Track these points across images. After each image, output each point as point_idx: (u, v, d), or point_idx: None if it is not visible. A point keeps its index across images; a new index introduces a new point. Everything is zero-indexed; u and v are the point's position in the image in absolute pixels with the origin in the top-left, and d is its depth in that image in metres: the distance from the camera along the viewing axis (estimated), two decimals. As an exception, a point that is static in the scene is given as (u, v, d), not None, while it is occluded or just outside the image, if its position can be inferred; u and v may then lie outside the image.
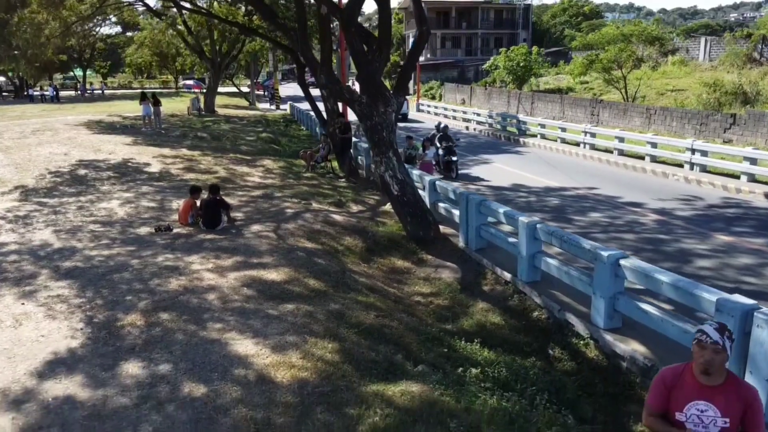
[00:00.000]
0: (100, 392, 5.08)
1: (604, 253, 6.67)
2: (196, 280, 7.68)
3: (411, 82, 52.78)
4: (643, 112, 24.08)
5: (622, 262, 6.53)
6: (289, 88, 64.60)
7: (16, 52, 28.40)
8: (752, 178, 15.07)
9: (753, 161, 15.06)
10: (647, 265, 6.44)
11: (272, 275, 7.91)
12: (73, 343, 5.98)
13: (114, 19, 51.33)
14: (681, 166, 17.18)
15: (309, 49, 15.35)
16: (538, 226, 8.14)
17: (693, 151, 16.69)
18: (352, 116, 16.93)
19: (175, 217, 10.96)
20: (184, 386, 5.15)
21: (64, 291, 7.36)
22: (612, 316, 6.76)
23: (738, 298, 5.26)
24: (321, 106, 17.76)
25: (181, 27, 32.07)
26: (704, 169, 16.49)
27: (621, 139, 19.69)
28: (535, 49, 37.87)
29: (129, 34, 61.03)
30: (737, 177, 15.44)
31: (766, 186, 14.50)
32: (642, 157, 18.65)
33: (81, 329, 6.28)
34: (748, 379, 5.05)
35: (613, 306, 6.69)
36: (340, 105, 16.99)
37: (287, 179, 15.62)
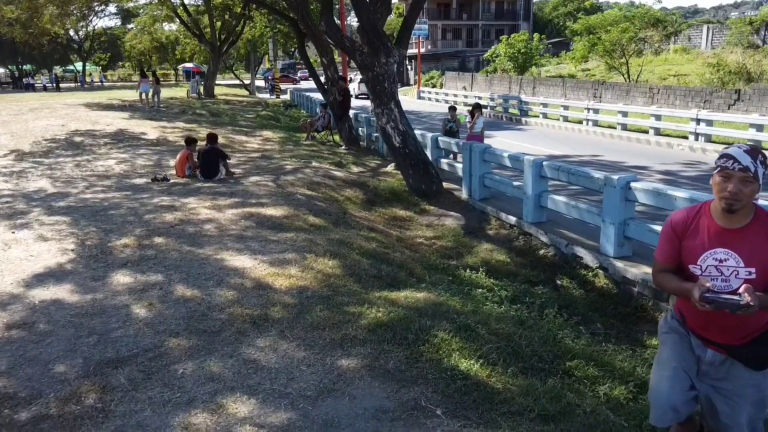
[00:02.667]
0: (89, 296, 4.87)
1: (615, 177, 6.46)
2: (193, 215, 7.45)
3: (412, 73, 52.63)
4: (646, 91, 23.83)
5: (633, 184, 6.31)
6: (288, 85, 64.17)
7: (11, 16, 28.01)
8: (758, 146, 14.85)
9: (759, 128, 14.86)
10: (659, 184, 6.22)
11: (271, 212, 7.67)
12: (63, 260, 5.76)
13: (113, 9, 51.34)
14: (686, 137, 16.95)
15: (309, 15, 15.14)
16: (544, 163, 7.92)
17: (698, 121, 16.47)
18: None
19: (173, 171, 10.73)
20: (177, 291, 4.93)
21: (57, 223, 7.14)
22: (622, 244, 6.53)
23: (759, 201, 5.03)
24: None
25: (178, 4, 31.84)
26: (709, 139, 16.27)
27: (624, 114, 19.46)
28: (536, 36, 37.64)
29: (129, 26, 60.88)
30: (743, 145, 15.22)
31: (773, 152, 14.27)
32: (646, 131, 18.42)
33: (72, 250, 6.06)
34: None
35: (624, 232, 6.46)
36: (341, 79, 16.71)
37: (286, 145, 15.40)
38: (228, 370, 3.68)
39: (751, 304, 2.26)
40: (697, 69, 27.52)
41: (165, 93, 29.75)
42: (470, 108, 12.63)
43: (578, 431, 3.20)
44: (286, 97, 41.25)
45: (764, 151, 2.48)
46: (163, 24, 45.57)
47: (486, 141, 18.26)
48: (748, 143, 14.05)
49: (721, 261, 2.44)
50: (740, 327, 2.49)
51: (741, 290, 2.33)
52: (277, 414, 3.24)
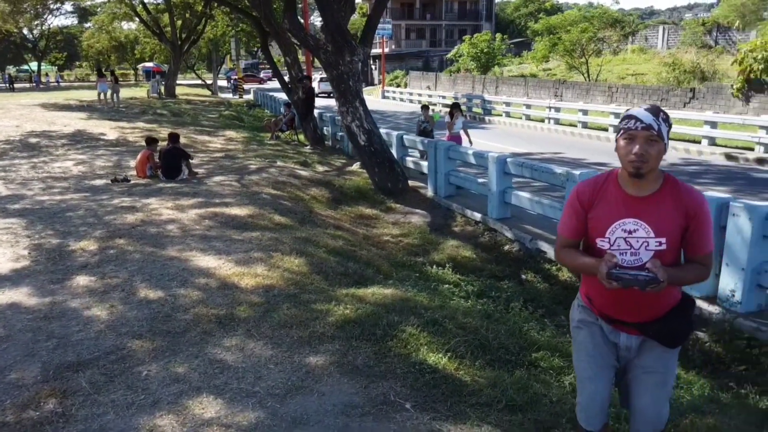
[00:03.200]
0: (47, 299, 4.72)
1: (577, 172, 6.58)
2: (155, 215, 7.30)
3: (376, 72, 52.63)
4: (605, 90, 24.37)
5: (594, 179, 6.43)
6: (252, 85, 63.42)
7: None
8: (712, 142, 15.34)
9: (713, 125, 15.34)
10: (619, 179, 6.37)
11: (235, 211, 7.58)
12: (20, 265, 5.56)
13: (69, 7, 49.89)
14: (644, 135, 17.37)
15: (272, 14, 15.01)
16: (508, 160, 8.02)
17: (655, 119, 16.90)
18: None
19: (133, 172, 10.50)
20: (140, 292, 4.82)
21: (11, 226, 6.90)
22: (584, 238, 6.66)
23: (711, 194, 5.20)
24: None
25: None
26: (666, 136, 16.71)
27: (585, 112, 19.87)
28: (498, 36, 38.09)
29: (87, 25, 59.21)
30: (698, 142, 15.70)
31: (726, 148, 14.78)
32: (605, 129, 18.83)
33: (29, 253, 5.87)
34: (725, 272, 4.99)
35: (586, 227, 6.59)
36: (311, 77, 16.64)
37: (250, 145, 15.23)
38: (194, 370, 3.62)
39: (661, 280, 2.15)
40: (654, 68, 28.30)
41: (125, 93, 29.12)
42: (449, 108, 12.33)
43: (545, 420, 3.25)
44: (250, 96, 40.78)
45: (664, 110, 2.31)
46: (122, 23, 44.59)
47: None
48: (705, 137, 14.51)
49: (630, 232, 2.29)
50: (652, 305, 2.38)
51: (648, 265, 2.22)
52: (244, 413, 3.20)
